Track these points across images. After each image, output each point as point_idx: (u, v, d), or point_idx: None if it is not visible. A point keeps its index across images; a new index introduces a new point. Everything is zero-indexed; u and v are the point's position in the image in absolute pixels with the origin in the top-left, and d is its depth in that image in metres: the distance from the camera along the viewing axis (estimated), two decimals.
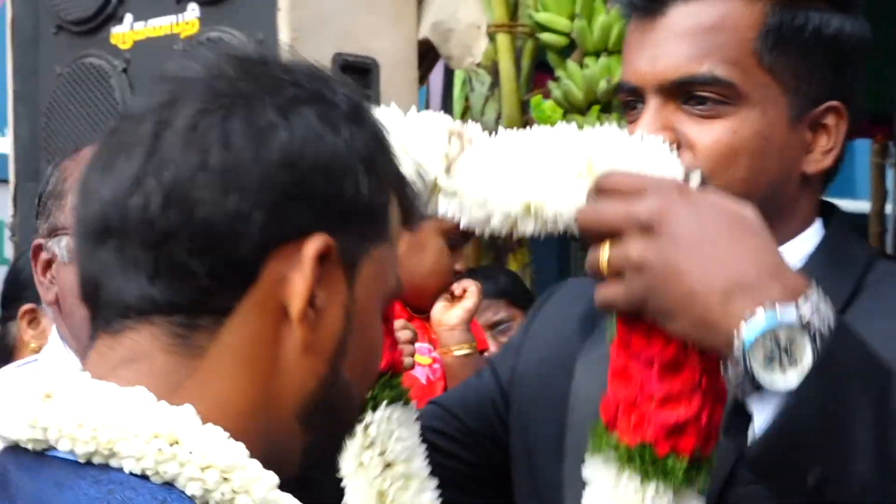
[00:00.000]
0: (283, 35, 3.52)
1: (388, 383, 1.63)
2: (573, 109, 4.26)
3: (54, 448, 1.02)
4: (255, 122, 1.08)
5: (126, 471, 1.01)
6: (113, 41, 3.92)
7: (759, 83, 1.54)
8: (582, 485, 1.52)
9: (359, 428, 1.57)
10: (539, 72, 4.64)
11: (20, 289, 2.96)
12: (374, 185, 1.15)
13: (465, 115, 5.53)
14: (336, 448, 1.22)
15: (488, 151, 1.39)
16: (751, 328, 1.24)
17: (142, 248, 1.05)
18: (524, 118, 4.39)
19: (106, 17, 3.93)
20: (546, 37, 4.33)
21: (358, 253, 1.15)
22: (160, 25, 3.83)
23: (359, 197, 1.13)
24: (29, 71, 4.11)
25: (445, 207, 1.40)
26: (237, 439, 1.05)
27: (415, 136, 1.40)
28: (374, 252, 1.16)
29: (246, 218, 1.05)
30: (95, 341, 1.09)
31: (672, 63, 1.53)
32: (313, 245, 1.08)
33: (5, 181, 4.25)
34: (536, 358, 1.79)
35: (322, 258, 1.08)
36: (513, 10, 4.39)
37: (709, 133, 1.53)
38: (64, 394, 1.04)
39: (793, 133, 1.56)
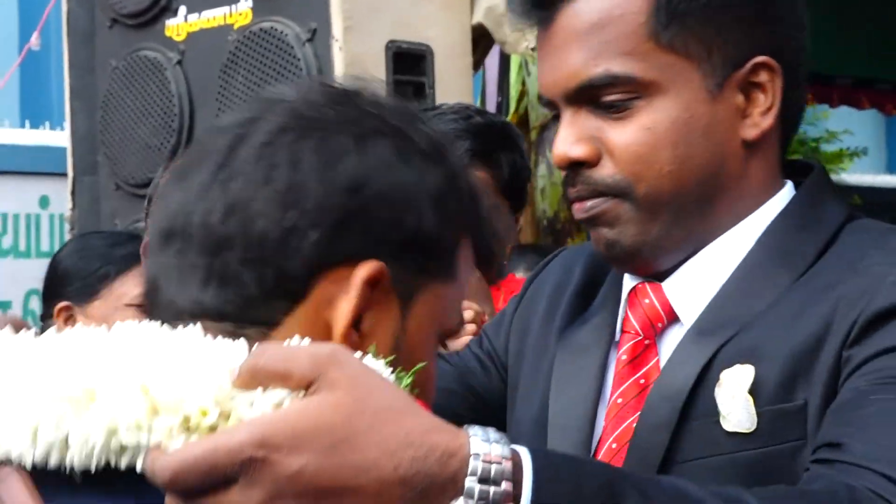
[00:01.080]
0: (336, 24, 3.52)
1: None
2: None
3: None
4: (328, 146, 1.11)
5: None
6: (167, 33, 3.95)
7: (663, 66, 1.47)
8: None
9: None
10: None
11: (59, 285, 2.96)
12: (441, 222, 1.16)
13: (521, 100, 5.50)
14: None
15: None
16: None
17: (199, 253, 1.09)
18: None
19: (160, 10, 3.96)
20: None
21: (415, 285, 1.16)
22: (214, 17, 3.85)
23: (421, 230, 1.15)
24: (85, 65, 4.17)
25: None
26: None
27: None
28: (434, 287, 1.18)
29: (301, 235, 1.07)
30: None
31: (570, 70, 1.48)
32: (364, 269, 1.09)
33: (63, 175, 4.31)
34: (525, 330, 1.76)
35: (373, 284, 1.09)
36: None
37: (623, 135, 1.48)
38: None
39: (717, 104, 1.49)
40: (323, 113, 1.15)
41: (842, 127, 7.08)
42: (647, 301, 1.56)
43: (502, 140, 2.42)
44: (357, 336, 1.11)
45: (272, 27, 3.66)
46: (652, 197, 1.49)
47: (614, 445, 1.53)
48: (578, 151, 1.48)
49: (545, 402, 1.63)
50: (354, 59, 3.52)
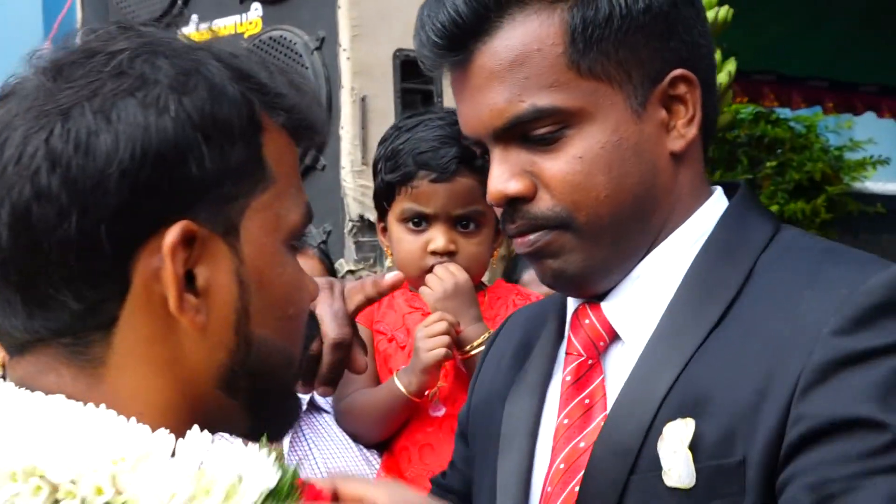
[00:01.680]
0: (344, 33, 3.57)
1: None
2: None
3: None
4: (75, 134, 1.07)
5: None
6: None
7: (587, 93, 1.48)
8: None
9: None
10: None
11: None
12: (224, 144, 1.13)
13: None
14: (280, 394, 1.24)
15: None
16: None
17: (7, 288, 1.09)
18: None
19: (172, 19, 4.00)
20: None
21: (232, 215, 1.15)
22: (225, 25, 3.90)
23: (206, 168, 1.12)
24: None
25: None
26: (162, 427, 1.07)
27: None
28: (254, 203, 1.17)
29: (92, 235, 1.05)
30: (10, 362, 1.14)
31: (495, 109, 1.48)
32: (169, 236, 1.07)
33: None
34: (484, 393, 1.79)
35: (186, 243, 1.09)
36: None
37: (557, 166, 1.49)
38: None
39: (643, 122, 1.50)
40: (58, 100, 1.09)
41: (866, 136, 7.09)
42: (587, 322, 1.57)
43: None
44: (195, 296, 1.11)
45: (281, 35, 3.71)
46: (593, 223, 1.50)
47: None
48: (515, 187, 1.49)
49: (495, 467, 1.66)
50: (362, 66, 3.56)
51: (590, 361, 1.57)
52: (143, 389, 1.13)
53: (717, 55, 4.17)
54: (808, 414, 1.38)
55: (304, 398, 2.33)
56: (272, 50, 3.75)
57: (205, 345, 1.17)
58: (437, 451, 2.37)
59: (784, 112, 6.18)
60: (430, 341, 2.30)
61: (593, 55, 1.47)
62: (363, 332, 2.32)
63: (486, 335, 2.37)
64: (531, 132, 1.49)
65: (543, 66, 1.48)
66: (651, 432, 1.46)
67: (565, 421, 1.57)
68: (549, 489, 1.56)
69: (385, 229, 2.42)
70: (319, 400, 2.42)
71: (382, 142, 2.41)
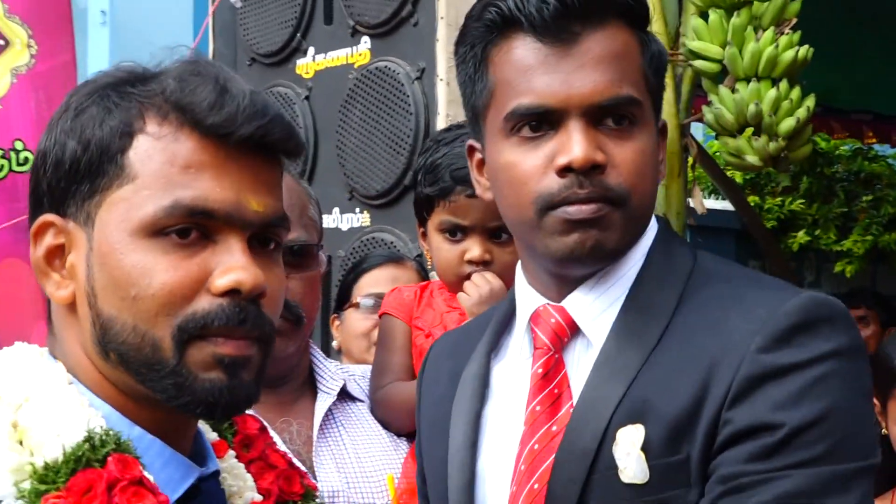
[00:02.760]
0: (441, 64, 3.71)
1: None
2: (725, 132, 4.13)
3: None
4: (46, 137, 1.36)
5: None
6: (298, 71, 4.22)
7: (647, 103, 1.61)
8: None
9: None
10: (698, 97, 4.69)
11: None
12: (85, 152, 1.32)
13: None
14: (148, 368, 1.31)
15: None
16: None
17: None
18: (683, 141, 4.45)
19: (291, 51, 4.24)
20: (699, 64, 4.35)
21: (91, 208, 1.32)
22: (337, 56, 4.09)
23: (62, 172, 1.33)
24: None
25: None
26: (88, 383, 1.34)
27: None
28: (110, 197, 1.31)
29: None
30: None
31: (597, 88, 1.56)
32: (33, 228, 1.34)
33: None
34: (425, 424, 1.86)
35: (45, 232, 1.34)
36: (673, 39, 4.46)
37: (626, 151, 1.58)
38: None
39: (657, 148, 1.65)
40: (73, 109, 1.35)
41: None
42: (552, 320, 1.66)
43: None
44: (65, 275, 1.35)
45: (386, 66, 3.88)
46: (637, 208, 1.60)
47: (536, 486, 1.61)
48: (601, 156, 1.56)
49: (446, 447, 1.75)
50: (456, 95, 3.50)
51: (556, 356, 1.65)
52: (69, 352, 1.38)
53: (797, 92, 4.05)
54: (732, 420, 1.49)
55: (336, 388, 2.34)
56: (377, 79, 3.89)
57: (83, 316, 1.35)
58: None
59: (883, 149, 6.10)
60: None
61: (653, 77, 1.63)
62: (402, 326, 2.41)
63: None
64: (613, 117, 1.58)
65: (634, 66, 1.60)
66: (606, 437, 1.54)
67: (537, 408, 1.65)
68: (522, 467, 1.63)
69: (425, 234, 2.41)
70: (353, 390, 2.40)
71: (422, 153, 2.41)
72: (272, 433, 1.69)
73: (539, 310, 1.68)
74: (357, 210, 4.03)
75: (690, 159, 4.43)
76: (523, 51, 1.59)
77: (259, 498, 1.51)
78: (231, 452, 1.52)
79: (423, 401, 1.89)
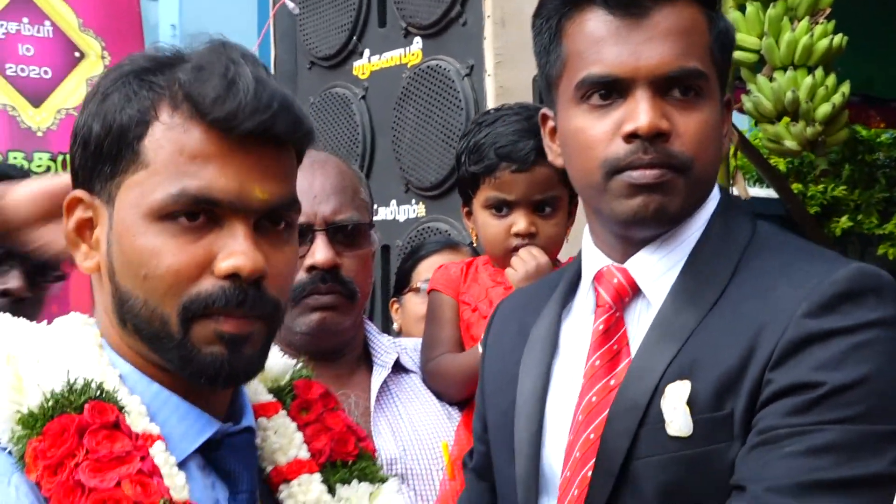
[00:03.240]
0: (489, 61, 3.72)
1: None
2: (764, 119, 4.16)
3: None
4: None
5: None
6: (354, 72, 4.25)
7: (712, 78, 1.62)
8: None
9: None
10: (737, 87, 4.68)
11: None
12: (108, 137, 1.35)
13: None
14: (160, 340, 1.34)
15: None
16: None
17: None
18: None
19: (348, 53, 4.28)
20: (738, 54, 4.34)
21: (112, 189, 1.36)
22: (391, 57, 4.12)
23: (89, 153, 1.36)
24: None
25: None
26: (113, 345, 1.38)
27: None
28: (127, 181, 1.34)
29: None
30: None
31: (665, 59, 1.58)
32: (65, 202, 1.39)
33: None
34: (490, 377, 1.88)
35: (75, 207, 1.38)
36: None
37: (690, 121, 1.59)
38: None
39: (722, 120, 1.65)
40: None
41: None
42: (615, 280, 1.67)
43: None
44: (92, 245, 1.39)
45: (437, 64, 3.91)
46: (699, 176, 1.61)
47: (592, 436, 1.62)
48: (665, 124, 1.57)
49: (513, 395, 1.76)
50: (504, 90, 3.67)
51: (617, 314, 1.67)
52: (100, 318, 1.42)
53: (832, 79, 4.04)
54: (775, 379, 1.50)
55: (390, 361, 2.35)
56: (429, 77, 3.92)
57: (105, 287, 1.40)
58: None
59: None
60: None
61: (719, 53, 1.63)
62: (449, 301, 2.41)
63: None
64: (679, 88, 1.59)
65: (701, 41, 1.61)
66: (656, 393, 1.55)
67: (597, 363, 1.66)
68: (580, 418, 1.65)
69: (469, 213, 2.41)
70: (406, 362, 2.41)
71: (464, 136, 2.41)
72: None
73: (603, 270, 1.70)
74: (413, 202, 4.05)
75: (732, 147, 4.44)
76: (595, 23, 1.60)
77: (306, 456, 1.52)
78: (282, 412, 1.54)
79: (489, 355, 1.90)
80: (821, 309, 1.51)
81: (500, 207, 2.32)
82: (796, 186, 6.01)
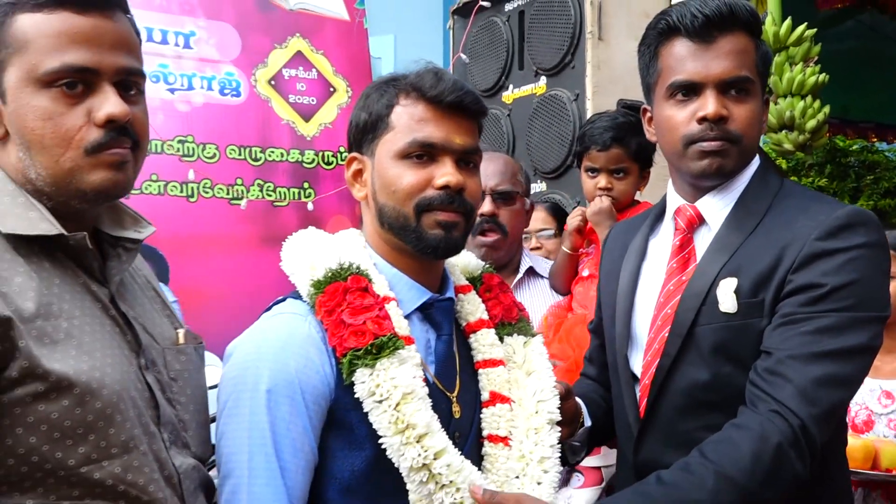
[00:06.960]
0: (588, 90, 3.68)
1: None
2: (770, 130, 4.23)
3: None
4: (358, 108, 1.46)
5: None
6: (503, 100, 4.25)
7: (757, 83, 1.60)
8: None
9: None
10: None
11: None
12: (370, 116, 1.40)
13: None
14: (404, 231, 1.39)
15: None
16: None
17: None
18: None
19: (499, 87, 4.29)
20: None
21: (374, 147, 1.41)
22: (526, 89, 4.14)
23: (360, 129, 1.42)
24: None
25: None
26: (373, 245, 1.41)
27: None
28: (383, 139, 1.40)
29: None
30: None
31: (726, 70, 1.55)
32: (346, 161, 1.46)
33: None
34: (604, 274, 1.83)
35: (356, 162, 1.44)
36: None
37: (742, 110, 1.57)
38: None
39: (762, 111, 1.63)
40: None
41: None
42: (688, 213, 1.64)
43: (632, 129, 2.38)
44: (362, 184, 1.42)
45: (554, 94, 3.93)
46: (747, 147, 1.57)
47: (669, 311, 1.57)
48: (724, 112, 1.53)
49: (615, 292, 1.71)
50: (598, 110, 3.37)
51: (688, 235, 1.64)
52: (366, 230, 1.45)
53: (817, 104, 4.12)
54: (794, 280, 1.47)
55: (525, 266, 2.43)
56: (550, 103, 3.89)
57: (370, 207, 1.43)
58: (585, 292, 2.43)
59: (881, 145, 5.84)
60: (572, 221, 2.49)
61: (762, 68, 1.59)
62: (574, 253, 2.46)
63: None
64: (735, 88, 1.55)
65: (750, 58, 1.56)
66: (713, 284, 1.52)
67: (674, 265, 1.63)
68: (661, 300, 1.61)
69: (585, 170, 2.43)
70: (539, 269, 2.51)
71: (580, 132, 2.49)
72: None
73: (680, 206, 1.66)
74: (538, 181, 4.08)
75: None
76: (680, 47, 1.57)
77: (486, 318, 1.53)
78: (472, 292, 1.57)
79: (604, 259, 1.86)
80: (827, 234, 1.46)
81: (593, 172, 2.44)
82: (793, 178, 6.01)
